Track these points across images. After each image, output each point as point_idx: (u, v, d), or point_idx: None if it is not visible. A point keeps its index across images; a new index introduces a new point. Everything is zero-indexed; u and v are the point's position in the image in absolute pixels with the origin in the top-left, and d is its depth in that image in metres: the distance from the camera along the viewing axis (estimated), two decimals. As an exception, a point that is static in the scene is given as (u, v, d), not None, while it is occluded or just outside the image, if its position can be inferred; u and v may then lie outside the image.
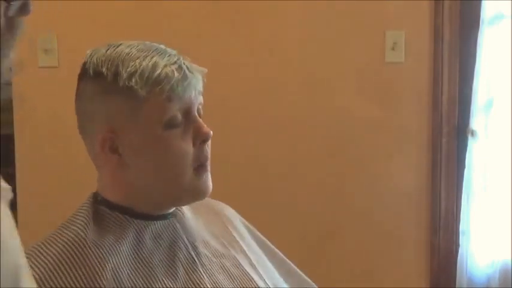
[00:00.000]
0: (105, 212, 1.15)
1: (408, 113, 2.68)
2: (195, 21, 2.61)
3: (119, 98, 1.10)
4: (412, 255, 2.71)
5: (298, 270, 1.38)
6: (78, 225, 1.12)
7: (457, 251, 2.65)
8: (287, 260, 1.38)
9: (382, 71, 2.66)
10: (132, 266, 1.10)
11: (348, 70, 2.65)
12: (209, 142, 1.16)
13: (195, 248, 1.18)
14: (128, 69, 1.09)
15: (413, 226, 2.70)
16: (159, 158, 1.11)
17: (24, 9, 0.85)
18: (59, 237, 1.11)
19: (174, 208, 1.20)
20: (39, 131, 2.62)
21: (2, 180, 0.93)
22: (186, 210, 1.24)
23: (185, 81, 1.10)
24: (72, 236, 1.10)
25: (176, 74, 1.09)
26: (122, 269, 1.09)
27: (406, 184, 2.69)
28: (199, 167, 1.13)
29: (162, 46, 1.16)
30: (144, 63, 1.09)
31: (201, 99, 1.15)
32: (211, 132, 1.13)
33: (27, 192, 2.65)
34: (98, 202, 1.17)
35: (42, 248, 1.10)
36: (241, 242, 1.27)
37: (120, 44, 1.14)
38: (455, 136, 2.67)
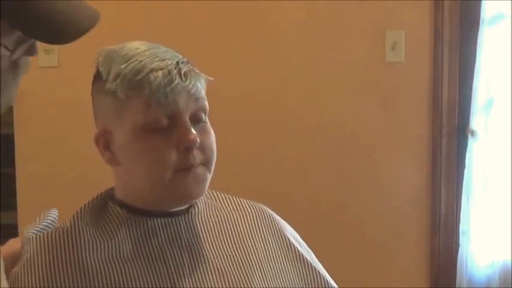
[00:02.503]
0: (108, 204, 1.20)
1: (408, 113, 2.68)
2: (195, 21, 2.61)
3: (107, 99, 1.14)
4: (412, 255, 2.71)
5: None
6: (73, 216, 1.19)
7: (457, 251, 2.65)
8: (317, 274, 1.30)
9: (382, 71, 2.66)
10: (104, 258, 1.13)
11: (348, 70, 2.65)
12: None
13: (191, 249, 1.17)
14: (114, 71, 1.12)
15: (413, 226, 2.70)
16: (139, 160, 1.13)
17: (30, 51, 0.88)
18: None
19: (187, 205, 1.21)
20: (39, 131, 2.62)
21: None
22: (204, 207, 1.24)
23: (169, 86, 1.09)
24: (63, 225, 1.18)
25: (160, 78, 1.09)
26: (92, 260, 1.12)
27: (406, 184, 2.69)
28: (180, 171, 1.12)
29: (166, 49, 1.17)
30: (130, 66, 1.11)
31: (201, 104, 1.14)
32: (198, 139, 1.12)
33: (27, 192, 2.65)
34: (109, 195, 1.23)
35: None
36: (259, 247, 1.24)
37: (126, 45, 1.16)
38: (455, 136, 2.67)
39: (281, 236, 1.30)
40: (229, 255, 1.20)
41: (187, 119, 1.13)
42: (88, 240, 1.14)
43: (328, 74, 2.65)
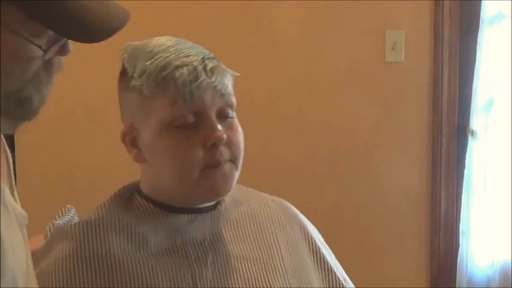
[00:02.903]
0: (135, 197, 1.20)
1: (408, 113, 2.68)
2: (195, 21, 2.61)
3: (133, 96, 1.14)
4: (412, 255, 2.71)
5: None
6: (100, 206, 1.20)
7: (457, 252, 2.65)
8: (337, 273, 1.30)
9: (382, 71, 2.66)
10: (129, 252, 1.12)
11: (348, 70, 2.65)
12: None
13: (215, 248, 1.16)
14: (140, 68, 1.11)
15: (413, 226, 2.70)
16: (166, 157, 1.12)
17: (63, 50, 0.89)
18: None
19: (214, 202, 1.20)
20: (39, 131, 2.62)
21: (19, 206, 0.96)
22: (231, 203, 1.23)
23: (194, 83, 1.09)
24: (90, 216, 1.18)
25: (185, 75, 1.09)
26: (116, 250, 1.12)
27: (406, 184, 2.69)
28: (208, 168, 1.11)
29: (192, 45, 1.16)
30: (155, 63, 1.10)
31: (227, 100, 1.14)
32: (225, 136, 1.11)
33: (27, 192, 2.65)
34: (135, 188, 1.22)
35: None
36: (282, 247, 1.23)
37: (151, 41, 1.16)
38: (455, 136, 2.67)
39: (305, 235, 1.29)
40: (253, 256, 1.18)
41: (213, 115, 1.12)
42: (114, 233, 1.14)
43: (328, 74, 2.65)
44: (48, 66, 0.90)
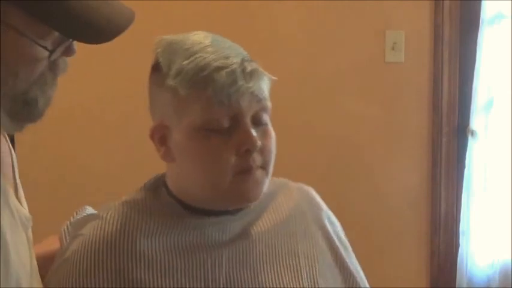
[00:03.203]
0: (161, 193, 1.18)
1: (408, 113, 2.68)
2: (194, 21, 2.61)
3: (167, 95, 1.10)
4: (412, 255, 2.71)
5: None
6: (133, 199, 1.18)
7: (457, 252, 2.65)
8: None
9: (382, 71, 2.66)
10: (149, 247, 1.11)
11: (348, 70, 2.65)
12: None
13: (232, 250, 1.15)
14: (176, 68, 1.08)
15: (413, 226, 2.70)
16: (197, 160, 1.10)
17: (69, 51, 0.88)
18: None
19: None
20: (39, 131, 2.62)
21: (23, 207, 0.97)
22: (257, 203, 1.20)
23: (233, 87, 1.06)
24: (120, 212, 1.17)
25: (224, 78, 1.05)
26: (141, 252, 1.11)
27: (406, 184, 2.69)
28: (240, 174, 1.09)
29: (231, 45, 1.14)
30: (193, 63, 1.07)
31: (263, 105, 1.11)
32: (259, 142, 1.09)
33: (27, 192, 2.64)
34: (162, 182, 1.19)
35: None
36: (302, 245, 1.21)
37: (189, 37, 1.12)
38: (455, 136, 2.67)
39: (324, 232, 1.28)
40: (271, 255, 1.17)
41: (249, 120, 1.09)
42: (139, 229, 1.12)
43: (328, 74, 2.65)
44: (53, 67, 0.91)
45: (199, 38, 1.12)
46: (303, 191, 1.33)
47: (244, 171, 1.10)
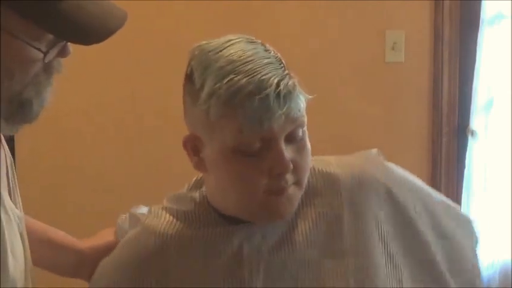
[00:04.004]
0: (199, 200, 1.18)
1: (408, 113, 2.68)
2: (195, 21, 2.61)
3: (199, 112, 1.07)
4: (412, 255, 2.71)
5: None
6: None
7: (457, 251, 2.65)
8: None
9: (382, 71, 2.66)
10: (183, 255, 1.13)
11: (348, 70, 2.65)
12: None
13: (269, 258, 1.13)
14: (208, 89, 1.04)
15: (413, 226, 2.70)
16: (227, 180, 1.09)
17: (63, 52, 0.89)
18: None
19: None
20: (39, 131, 2.62)
21: (16, 207, 0.98)
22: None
23: (266, 114, 1.02)
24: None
25: (256, 106, 1.01)
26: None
27: (406, 184, 2.69)
28: (272, 195, 1.07)
29: (269, 60, 1.08)
30: (225, 87, 1.03)
31: (299, 123, 1.07)
32: (291, 166, 1.05)
33: (27, 192, 2.64)
34: (201, 187, 1.20)
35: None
36: (347, 243, 1.16)
37: (223, 51, 1.08)
38: (455, 136, 2.67)
39: (376, 223, 1.19)
40: (306, 259, 1.14)
41: (281, 142, 1.06)
42: (177, 244, 1.14)
43: (328, 74, 2.65)
44: (47, 68, 0.91)
45: (236, 52, 1.07)
46: (354, 176, 1.23)
47: (276, 192, 1.08)
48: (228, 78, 1.03)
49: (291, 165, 1.06)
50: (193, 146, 1.11)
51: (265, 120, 1.02)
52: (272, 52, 1.12)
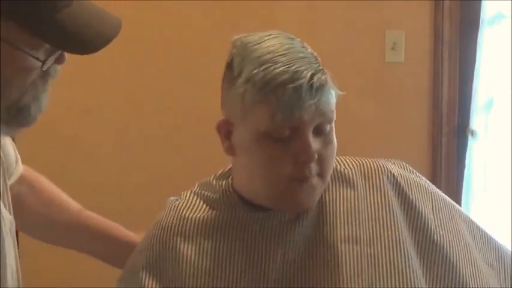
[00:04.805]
0: (227, 188, 1.22)
1: (408, 113, 2.68)
2: (194, 21, 2.61)
3: (235, 97, 1.13)
4: (412, 255, 2.70)
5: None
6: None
7: (457, 251, 2.65)
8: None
9: (382, 71, 2.66)
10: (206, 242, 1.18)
11: (348, 70, 2.65)
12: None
13: (287, 247, 1.17)
14: (246, 75, 1.11)
15: (413, 226, 2.70)
16: (255, 164, 1.14)
17: (60, 59, 0.92)
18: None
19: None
20: (39, 131, 2.62)
21: (9, 212, 1.00)
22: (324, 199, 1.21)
23: (297, 103, 1.08)
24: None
25: (289, 94, 1.08)
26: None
27: (406, 184, 2.69)
28: (295, 181, 1.12)
29: (305, 54, 1.16)
30: (261, 74, 1.09)
31: (327, 117, 1.13)
32: (316, 155, 1.11)
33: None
34: (227, 177, 1.25)
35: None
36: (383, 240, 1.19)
37: (262, 43, 1.14)
38: (455, 136, 2.67)
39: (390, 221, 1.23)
40: (321, 255, 1.17)
41: (309, 132, 1.11)
42: (200, 226, 1.19)
43: (327, 73, 2.64)
44: (44, 75, 0.94)
45: (273, 44, 1.14)
46: (371, 172, 1.36)
47: (299, 179, 1.12)
48: (265, 66, 1.09)
49: (316, 155, 1.11)
50: (226, 130, 1.17)
51: (296, 109, 1.08)
52: (309, 49, 1.20)
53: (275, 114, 1.09)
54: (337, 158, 1.28)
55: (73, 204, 1.36)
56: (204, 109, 2.65)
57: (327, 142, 1.15)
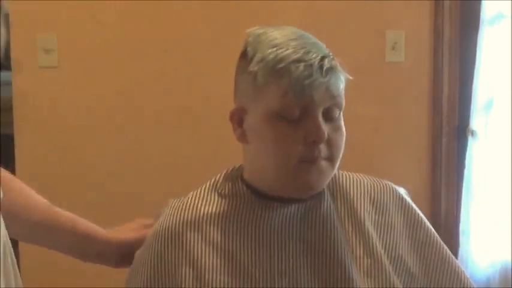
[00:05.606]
0: (237, 182, 1.24)
1: (408, 113, 2.68)
2: (193, 21, 2.61)
3: (248, 79, 1.17)
4: (412, 255, 2.70)
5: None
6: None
7: (457, 251, 2.65)
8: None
9: (382, 71, 2.66)
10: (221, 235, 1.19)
11: (348, 70, 2.65)
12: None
13: (296, 240, 1.18)
14: (259, 56, 1.15)
15: (413, 226, 2.69)
16: (265, 145, 1.16)
17: None
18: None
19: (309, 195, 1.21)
20: (39, 131, 2.62)
21: None
22: (330, 198, 1.25)
23: (307, 80, 1.12)
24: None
25: (300, 71, 1.12)
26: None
27: (406, 184, 2.68)
28: (304, 162, 1.15)
29: (316, 42, 1.21)
30: (274, 53, 1.14)
31: (337, 101, 1.19)
32: (326, 135, 1.15)
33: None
34: (239, 172, 1.26)
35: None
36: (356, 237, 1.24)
37: (277, 29, 1.19)
38: (455, 136, 2.67)
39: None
40: (321, 250, 1.19)
41: (319, 113, 1.15)
42: (210, 217, 1.20)
43: (328, 74, 2.65)
44: None
45: (287, 31, 1.19)
46: (381, 185, 1.48)
47: (308, 160, 1.15)
48: (278, 47, 1.15)
49: (326, 135, 1.15)
50: (238, 118, 1.20)
51: (307, 86, 1.12)
52: (319, 41, 1.24)
53: (286, 92, 1.12)
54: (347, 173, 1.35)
55: (40, 202, 1.34)
56: (204, 109, 2.65)
57: (336, 128, 1.20)
